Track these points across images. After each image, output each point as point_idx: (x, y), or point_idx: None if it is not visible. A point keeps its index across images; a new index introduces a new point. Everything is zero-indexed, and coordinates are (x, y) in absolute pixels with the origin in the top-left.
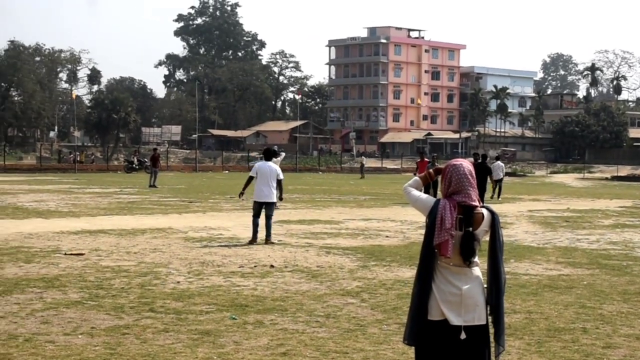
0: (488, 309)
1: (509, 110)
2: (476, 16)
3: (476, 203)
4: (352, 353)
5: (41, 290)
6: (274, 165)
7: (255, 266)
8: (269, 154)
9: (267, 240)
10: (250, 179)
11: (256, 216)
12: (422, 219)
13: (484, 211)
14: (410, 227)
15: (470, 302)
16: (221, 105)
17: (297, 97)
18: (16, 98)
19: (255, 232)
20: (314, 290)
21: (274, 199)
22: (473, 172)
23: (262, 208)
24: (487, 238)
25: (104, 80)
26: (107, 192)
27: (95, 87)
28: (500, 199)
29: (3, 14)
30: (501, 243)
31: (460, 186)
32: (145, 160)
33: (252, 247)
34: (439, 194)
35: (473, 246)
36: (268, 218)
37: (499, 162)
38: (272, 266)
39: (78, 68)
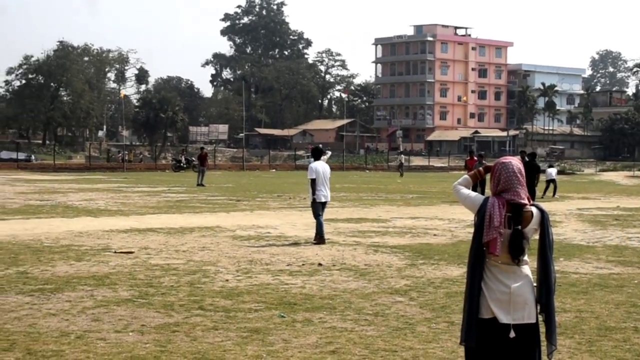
0: (538, 307)
1: (557, 107)
2: (524, 13)
3: (525, 201)
4: (401, 351)
5: (92, 288)
6: (327, 166)
7: (303, 264)
8: (317, 153)
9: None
10: (314, 181)
11: (320, 216)
12: (470, 217)
13: (534, 209)
14: (458, 226)
15: (520, 301)
16: (268, 104)
17: (343, 95)
18: (65, 98)
19: (322, 229)
20: (362, 289)
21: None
22: (522, 171)
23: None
24: (537, 236)
25: (151, 80)
26: (155, 191)
27: (143, 87)
28: (557, 196)
29: (53, 15)
30: (551, 241)
31: (509, 184)
32: (193, 159)
33: (312, 246)
34: (487, 192)
35: (522, 244)
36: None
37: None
38: (320, 264)
39: (126, 68)
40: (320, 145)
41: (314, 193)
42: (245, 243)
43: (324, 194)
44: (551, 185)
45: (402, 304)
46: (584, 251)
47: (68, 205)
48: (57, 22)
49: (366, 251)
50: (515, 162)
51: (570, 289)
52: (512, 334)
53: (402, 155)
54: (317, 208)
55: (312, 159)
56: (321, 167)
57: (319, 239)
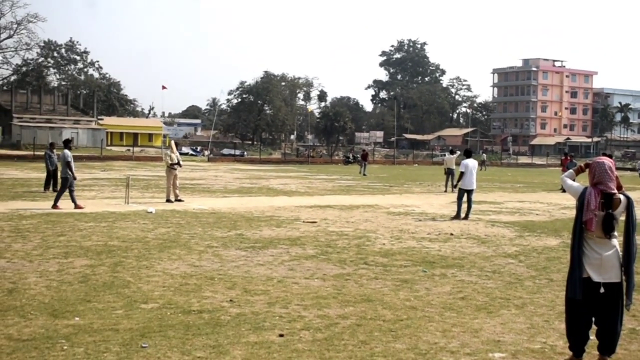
0: (622, 270)
1: (631, 121)
2: (607, 48)
3: (614, 191)
4: (513, 299)
5: (287, 247)
6: (476, 162)
7: (439, 234)
8: (469, 153)
9: (467, 217)
10: (462, 174)
11: (460, 199)
12: (563, 201)
13: (621, 196)
14: (555, 208)
15: (608, 265)
16: (412, 117)
17: (468, 110)
18: (268, 112)
19: (460, 209)
20: (483, 253)
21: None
22: (613, 168)
23: (465, 193)
24: (624, 217)
25: (329, 98)
26: (330, 179)
27: (323, 104)
28: None
29: (260, 53)
30: (634, 221)
31: (601, 178)
32: (357, 156)
33: (446, 220)
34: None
35: (612, 223)
36: (471, 201)
37: None
38: (451, 234)
39: (311, 90)
40: (451, 148)
41: (458, 181)
42: (397, 217)
43: (471, 181)
44: None
45: (513, 264)
46: None
47: (270, 188)
48: (263, 57)
49: (486, 225)
50: (608, 161)
51: None
52: (602, 290)
53: (484, 154)
54: (461, 193)
55: (464, 157)
56: (472, 163)
57: (457, 215)
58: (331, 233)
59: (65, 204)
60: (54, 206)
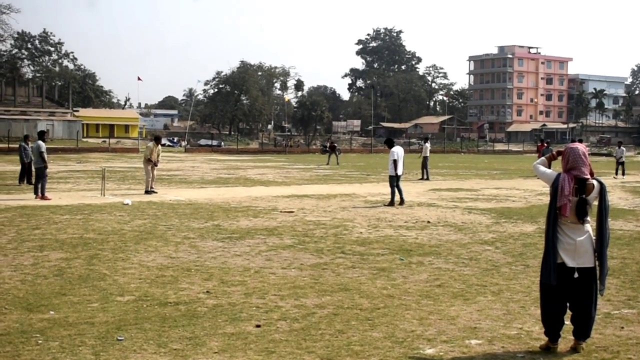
0: (595, 255)
1: (605, 106)
2: (581, 35)
3: (588, 176)
4: (489, 286)
5: (264, 237)
6: (402, 149)
7: (416, 222)
8: (391, 142)
9: (403, 202)
10: (394, 162)
11: (393, 186)
12: (539, 188)
13: (594, 182)
14: (531, 194)
15: (582, 250)
16: (389, 105)
17: (445, 98)
18: (245, 101)
19: (394, 196)
20: (460, 240)
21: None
22: (586, 153)
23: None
24: (597, 203)
25: (306, 88)
26: (308, 168)
27: (300, 93)
28: (624, 177)
29: (235, 42)
30: (607, 207)
31: (575, 163)
32: (335, 144)
33: (409, 208)
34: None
35: (585, 209)
36: (400, 186)
37: (622, 148)
38: (428, 222)
39: (288, 79)
40: (429, 135)
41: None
42: (374, 206)
43: (400, 168)
44: (621, 167)
45: (490, 251)
46: (626, 214)
47: (247, 178)
48: (238, 46)
49: (462, 212)
50: (581, 147)
51: (616, 242)
52: (576, 275)
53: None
54: (394, 180)
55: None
56: (400, 151)
57: (392, 202)
58: (308, 222)
59: (29, 195)
60: (43, 197)
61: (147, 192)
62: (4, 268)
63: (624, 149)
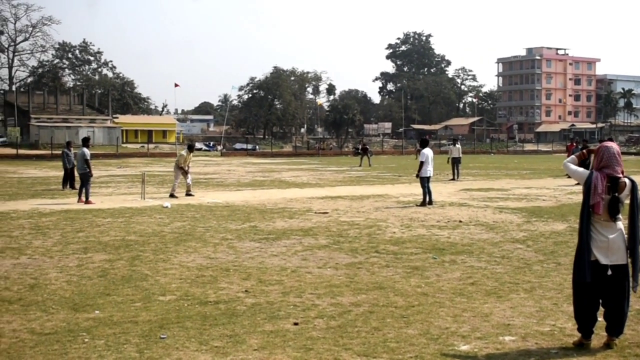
0: (628, 253)
1: (634, 106)
2: (609, 35)
3: (620, 175)
4: (522, 283)
5: (300, 237)
6: (432, 151)
7: (448, 221)
8: (425, 143)
9: (432, 202)
10: (422, 163)
11: (425, 186)
12: (569, 187)
13: (626, 180)
14: (561, 193)
15: (615, 247)
16: (419, 107)
17: (474, 100)
18: (278, 106)
19: (426, 196)
20: (491, 239)
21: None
22: (619, 152)
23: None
24: (628, 201)
25: (337, 92)
26: (341, 170)
27: (332, 97)
28: None
29: (269, 51)
30: (639, 204)
31: (609, 162)
32: (367, 147)
33: (441, 207)
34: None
35: (618, 206)
36: (430, 187)
37: None
38: (460, 221)
39: (320, 84)
40: (459, 136)
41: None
42: (406, 206)
43: (430, 170)
44: None
45: (521, 249)
46: None
47: (282, 180)
48: (272, 53)
49: (494, 212)
50: (615, 146)
51: None
52: (609, 272)
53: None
54: (424, 181)
55: (421, 147)
56: (429, 152)
57: (423, 203)
58: (342, 223)
59: (72, 200)
60: (87, 202)
61: (171, 195)
62: (50, 270)
63: None
